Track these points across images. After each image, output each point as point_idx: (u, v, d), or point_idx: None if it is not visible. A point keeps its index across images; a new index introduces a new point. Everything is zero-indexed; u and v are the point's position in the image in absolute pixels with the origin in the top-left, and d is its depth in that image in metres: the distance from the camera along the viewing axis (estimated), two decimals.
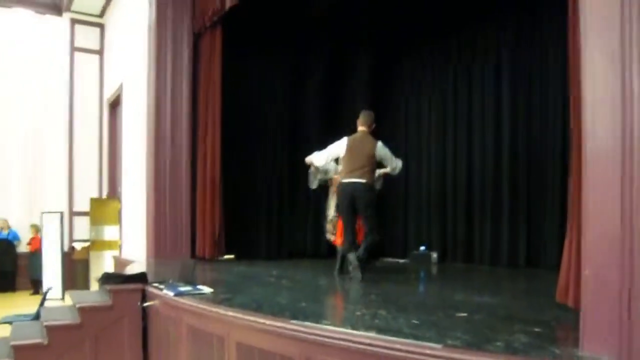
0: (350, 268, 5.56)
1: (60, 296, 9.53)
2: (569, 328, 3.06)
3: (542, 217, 6.85)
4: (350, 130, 6.00)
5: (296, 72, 8.81)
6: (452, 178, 7.92)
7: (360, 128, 5.88)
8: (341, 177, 5.81)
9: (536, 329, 3.08)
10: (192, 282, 4.76)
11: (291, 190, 8.52)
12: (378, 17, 8.44)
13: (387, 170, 6.08)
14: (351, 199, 5.64)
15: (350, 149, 5.73)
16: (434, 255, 7.71)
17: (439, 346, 2.67)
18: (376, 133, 6.01)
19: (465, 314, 3.58)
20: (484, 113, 7.52)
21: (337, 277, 5.99)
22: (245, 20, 7.67)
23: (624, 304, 2.28)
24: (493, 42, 7.49)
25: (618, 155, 2.30)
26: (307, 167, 6.59)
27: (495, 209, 7.31)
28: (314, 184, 6.69)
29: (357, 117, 5.96)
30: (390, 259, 8.12)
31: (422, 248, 7.90)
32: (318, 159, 6.09)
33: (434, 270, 7.15)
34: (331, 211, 6.56)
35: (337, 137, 7.62)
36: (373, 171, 5.78)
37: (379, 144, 5.78)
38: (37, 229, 10.63)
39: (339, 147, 5.83)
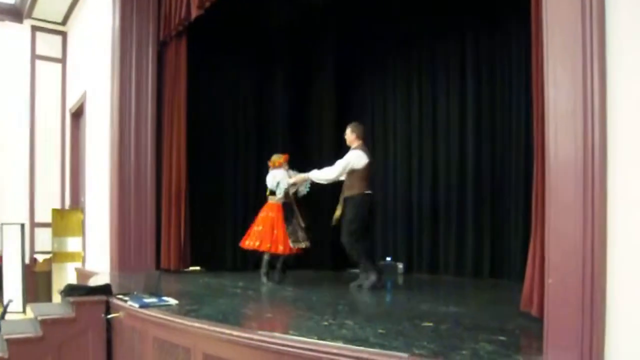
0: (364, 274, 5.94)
1: (21, 309, 9.30)
2: (533, 336, 3.11)
3: (506, 227, 6.94)
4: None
5: (262, 79, 8.82)
6: (417, 189, 7.97)
7: (360, 141, 6.03)
8: (361, 189, 5.87)
9: (501, 338, 3.13)
10: (157, 294, 4.71)
11: (257, 201, 8.44)
12: (342, 24, 8.54)
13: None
14: (370, 210, 6.03)
15: (370, 162, 5.96)
16: (400, 265, 7.77)
17: (405, 355, 2.69)
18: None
19: (431, 324, 3.61)
20: (449, 124, 7.61)
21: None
22: (211, 28, 7.63)
23: (586, 312, 2.33)
24: (457, 51, 7.57)
25: (580, 165, 2.36)
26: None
27: (460, 220, 7.39)
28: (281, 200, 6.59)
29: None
30: (356, 270, 8.13)
31: (388, 259, 7.94)
32: (331, 174, 5.99)
33: (400, 280, 7.19)
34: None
35: (304, 147, 7.66)
36: None
37: None
38: None
39: (360, 161, 5.87)
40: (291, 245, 6.26)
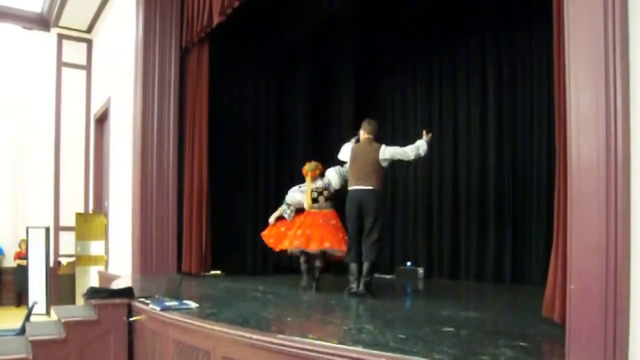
0: (351, 279, 5.50)
1: (45, 311, 9.42)
2: (555, 342, 3.07)
3: (527, 232, 6.87)
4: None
5: (283, 85, 8.85)
6: (438, 194, 7.93)
7: (366, 136, 5.79)
8: (348, 185, 5.73)
9: (522, 344, 3.09)
10: (178, 297, 4.74)
11: (277, 206, 8.49)
12: (362, 29, 8.56)
13: (411, 159, 5.83)
14: (359, 207, 5.51)
15: (354, 157, 5.70)
16: (420, 271, 7.71)
17: None
18: None
19: (451, 329, 3.58)
20: (470, 128, 7.56)
21: (313, 293, 5.92)
22: (233, 36, 7.70)
23: (609, 318, 2.29)
24: (478, 56, 7.52)
25: (602, 169, 2.33)
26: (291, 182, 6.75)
27: (481, 225, 7.33)
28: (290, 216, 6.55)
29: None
30: (376, 275, 8.09)
31: (409, 264, 7.90)
32: (334, 178, 6.19)
33: (420, 285, 7.15)
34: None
35: (323, 151, 7.65)
36: (380, 177, 5.62)
37: (383, 146, 5.65)
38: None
39: (345, 155, 5.90)
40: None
